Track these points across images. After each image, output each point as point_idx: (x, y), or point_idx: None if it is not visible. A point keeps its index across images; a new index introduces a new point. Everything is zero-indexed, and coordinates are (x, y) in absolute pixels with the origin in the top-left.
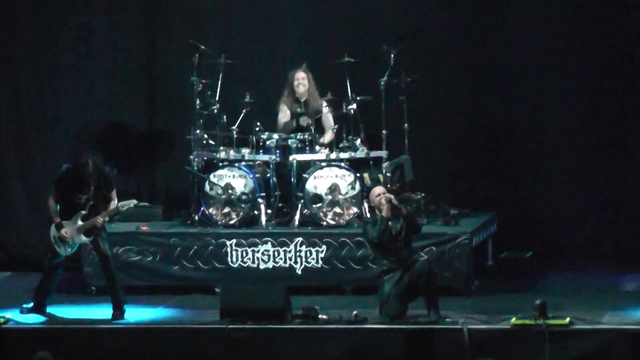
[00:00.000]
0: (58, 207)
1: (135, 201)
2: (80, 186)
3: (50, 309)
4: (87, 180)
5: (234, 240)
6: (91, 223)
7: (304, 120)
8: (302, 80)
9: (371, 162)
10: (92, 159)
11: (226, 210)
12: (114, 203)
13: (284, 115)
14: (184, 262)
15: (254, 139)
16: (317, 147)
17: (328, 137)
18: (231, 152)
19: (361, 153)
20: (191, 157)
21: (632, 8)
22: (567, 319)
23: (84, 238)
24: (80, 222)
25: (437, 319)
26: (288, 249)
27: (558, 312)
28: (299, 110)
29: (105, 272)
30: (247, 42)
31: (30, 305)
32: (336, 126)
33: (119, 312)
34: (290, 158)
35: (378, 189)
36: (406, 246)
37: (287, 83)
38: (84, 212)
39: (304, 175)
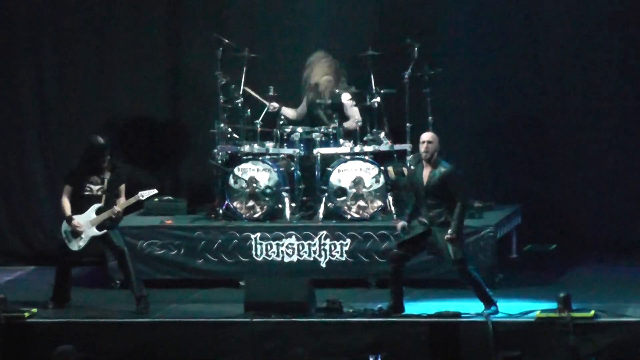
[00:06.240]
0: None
1: (156, 190)
2: (94, 177)
3: (73, 303)
4: (102, 167)
5: (258, 234)
6: (107, 214)
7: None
8: (328, 84)
9: (395, 155)
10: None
11: (250, 203)
12: (123, 199)
13: (302, 105)
14: (208, 255)
15: (278, 132)
16: (341, 140)
17: (350, 125)
18: (255, 145)
19: (385, 146)
20: (215, 150)
21: None
22: (592, 312)
23: (95, 231)
24: (94, 215)
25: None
26: (312, 243)
27: (583, 305)
28: (317, 101)
29: (122, 267)
30: (271, 36)
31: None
32: (360, 119)
33: (143, 306)
34: (315, 151)
35: (427, 136)
36: (436, 207)
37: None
38: (99, 205)
39: (328, 168)
